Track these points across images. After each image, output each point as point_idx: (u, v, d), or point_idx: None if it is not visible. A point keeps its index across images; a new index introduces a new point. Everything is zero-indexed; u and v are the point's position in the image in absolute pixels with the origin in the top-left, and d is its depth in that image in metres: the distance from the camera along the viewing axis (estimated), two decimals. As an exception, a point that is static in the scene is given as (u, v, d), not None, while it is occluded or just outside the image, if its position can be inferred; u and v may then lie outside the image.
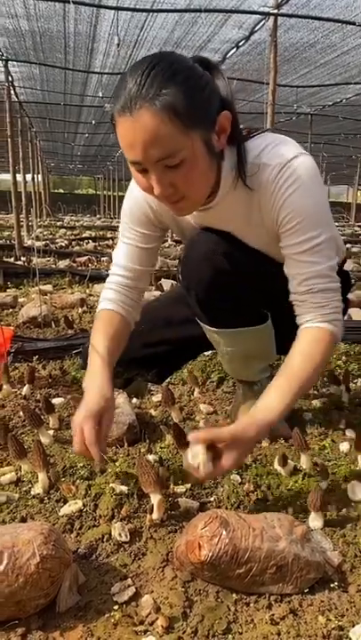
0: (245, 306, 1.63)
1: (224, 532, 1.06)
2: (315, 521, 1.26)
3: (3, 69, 7.01)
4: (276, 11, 5.11)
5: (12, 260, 6.33)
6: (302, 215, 1.36)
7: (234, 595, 1.06)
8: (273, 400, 1.30)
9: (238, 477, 1.46)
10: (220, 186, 1.38)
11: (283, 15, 5.33)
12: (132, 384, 2.05)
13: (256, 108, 8.76)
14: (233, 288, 1.57)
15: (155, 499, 1.26)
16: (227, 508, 1.31)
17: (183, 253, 1.65)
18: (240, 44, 6.53)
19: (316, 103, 9.99)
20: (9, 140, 6.97)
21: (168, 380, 2.20)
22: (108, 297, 1.62)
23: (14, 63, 7.35)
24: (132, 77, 1.16)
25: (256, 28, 5.95)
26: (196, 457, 1.19)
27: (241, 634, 0.98)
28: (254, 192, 1.39)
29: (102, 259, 6.68)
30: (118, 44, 5.63)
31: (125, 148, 1.22)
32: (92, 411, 1.32)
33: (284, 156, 1.35)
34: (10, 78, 7.13)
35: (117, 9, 5.22)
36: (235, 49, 6.75)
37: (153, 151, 1.17)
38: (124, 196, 1.63)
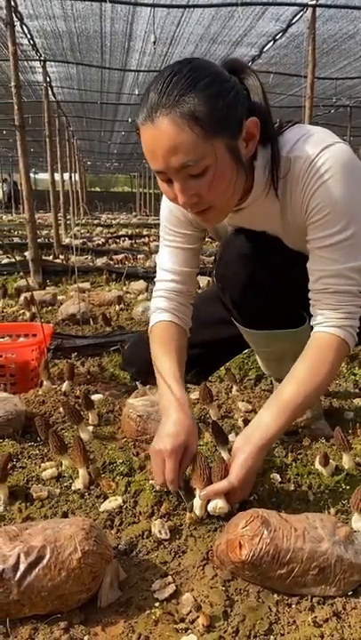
0: (281, 307, 1.59)
1: (265, 532, 1.04)
2: (358, 522, 1.23)
3: (41, 70, 7.14)
4: (314, 2, 5.01)
5: (50, 257, 6.44)
6: (330, 207, 1.27)
7: (275, 595, 1.05)
8: (271, 416, 1.30)
9: (278, 477, 1.44)
10: (253, 188, 1.34)
11: (321, 6, 5.23)
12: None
13: (294, 102, 8.64)
14: (268, 289, 1.53)
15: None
16: (267, 508, 1.30)
17: (217, 255, 1.62)
18: (277, 37, 6.46)
19: (355, 95, 9.79)
20: (47, 139, 7.07)
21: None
22: (161, 306, 1.58)
23: (52, 63, 7.47)
24: (155, 86, 1.15)
25: (294, 21, 5.87)
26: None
27: (283, 635, 0.97)
28: (287, 189, 1.34)
29: (139, 256, 6.73)
30: (155, 42, 5.64)
31: (148, 157, 1.20)
32: (176, 445, 1.29)
33: (315, 147, 1.28)
34: (48, 78, 7.25)
35: (154, 6, 5.23)
36: (272, 42, 6.68)
37: (174, 159, 1.15)
38: (160, 194, 1.62)
